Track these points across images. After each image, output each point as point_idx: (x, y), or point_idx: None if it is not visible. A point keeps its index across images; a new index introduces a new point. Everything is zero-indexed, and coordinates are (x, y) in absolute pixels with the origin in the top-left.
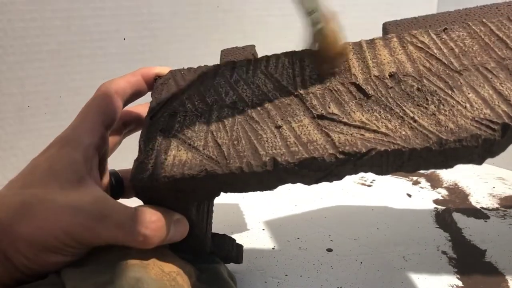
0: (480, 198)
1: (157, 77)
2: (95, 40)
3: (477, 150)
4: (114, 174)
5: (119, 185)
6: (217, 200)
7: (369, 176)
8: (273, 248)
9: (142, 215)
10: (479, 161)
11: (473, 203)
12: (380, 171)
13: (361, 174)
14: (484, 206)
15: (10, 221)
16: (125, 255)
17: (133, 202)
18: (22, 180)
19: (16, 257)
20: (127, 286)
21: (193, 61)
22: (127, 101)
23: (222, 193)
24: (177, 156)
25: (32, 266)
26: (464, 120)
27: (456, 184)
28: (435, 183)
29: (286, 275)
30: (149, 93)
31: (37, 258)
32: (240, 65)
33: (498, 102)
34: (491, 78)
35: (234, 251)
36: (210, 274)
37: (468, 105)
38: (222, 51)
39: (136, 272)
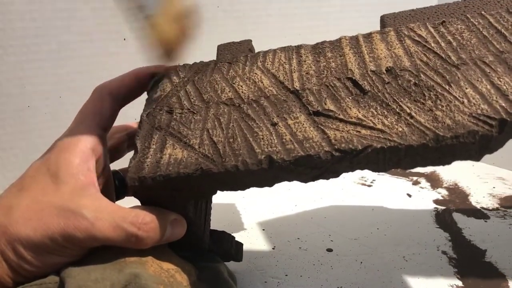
0: (480, 198)
1: (153, 74)
2: (95, 40)
3: (474, 147)
4: (116, 174)
5: (122, 185)
6: (216, 200)
7: (369, 176)
8: (273, 248)
9: (135, 216)
10: (476, 157)
11: (473, 203)
12: (377, 168)
13: (361, 174)
14: (484, 206)
15: (7, 223)
16: (124, 252)
17: (134, 201)
18: (21, 184)
19: (14, 258)
20: (125, 282)
21: (193, 61)
22: (122, 102)
23: (222, 192)
24: (173, 154)
25: (29, 266)
26: (461, 116)
27: (456, 184)
28: (435, 183)
29: (286, 275)
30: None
31: (34, 259)
32: (236, 60)
33: (496, 97)
34: (489, 72)
35: (234, 248)
36: (210, 273)
37: (465, 101)
38: (219, 46)
39: (134, 268)
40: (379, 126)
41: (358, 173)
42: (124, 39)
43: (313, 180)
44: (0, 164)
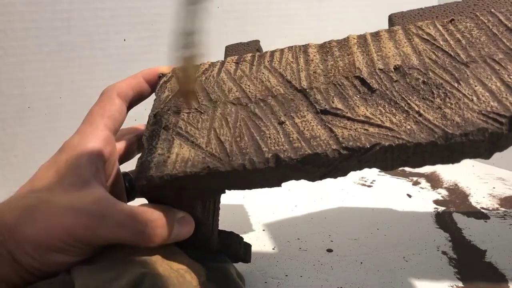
0: (480, 198)
1: (161, 74)
2: (95, 41)
3: (483, 144)
4: (126, 176)
5: (132, 187)
6: None
7: (369, 176)
8: (273, 249)
9: (142, 214)
10: (486, 155)
11: (473, 204)
12: (385, 166)
13: (361, 174)
14: (484, 207)
15: (16, 224)
16: (134, 252)
17: (141, 201)
18: (29, 186)
19: (24, 258)
20: (134, 281)
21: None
22: (130, 104)
23: (222, 194)
24: (180, 154)
25: (39, 266)
26: (470, 114)
27: (456, 185)
28: (435, 183)
29: (286, 275)
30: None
31: (43, 258)
32: (243, 60)
33: (506, 95)
34: (498, 69)
35: (242, 249)
36: (219, 273)
37: (474, 98)
38: (227, 47)
39: (144, 268)
40: (387, 124)
41: (358, 173)
42: (124, 39)
43: (321, 179)
44: (0, 164)
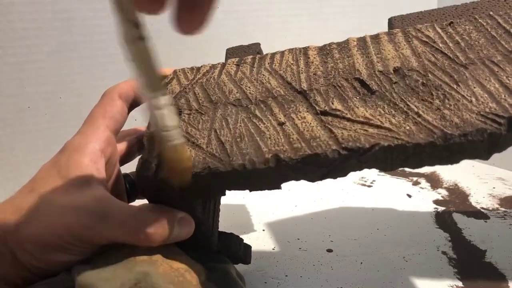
0: (480, 198)
1: (163, 77)
2: (95, 41)
3: (482, 145)
4: (127, 177)
5: (133, 188)
6: None
7: (369, 176)
8: (273, 249)
9: (143, 214)
10: (485, 156)
11: (473, 204)
12: (385, 167)
13: (361, 174)
14: (484, 207)
15: (18, 223)
16: (134, 252)
17: (141, 201)
18: (31, 185)
19: (25, 257)
20: (134, 281)
21: (194, 62)
22: (132, 105)
23: (222, 195)
24: None
25: (40, 265)
26: (469, 114)
27: (456, 185)
28: (435, 183)
29: (286, 275)
30: None
31: (44, 257)
32: (244, 62)
33: (505, 96)
34: (497, 71)
35: (242, 251)
36: (219, 273)
37: (473, 99)
38: (227, 50)
39: (144, 267)
40: (387, 125)
41: (358, 173)
42: None
43: (321, 179)
44: (0, 164)
